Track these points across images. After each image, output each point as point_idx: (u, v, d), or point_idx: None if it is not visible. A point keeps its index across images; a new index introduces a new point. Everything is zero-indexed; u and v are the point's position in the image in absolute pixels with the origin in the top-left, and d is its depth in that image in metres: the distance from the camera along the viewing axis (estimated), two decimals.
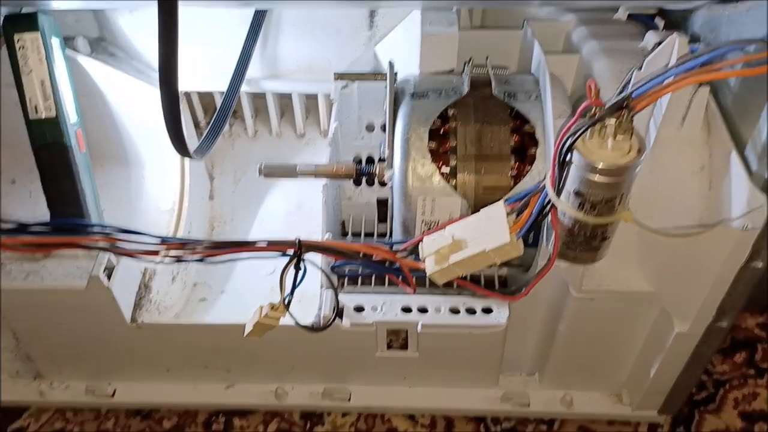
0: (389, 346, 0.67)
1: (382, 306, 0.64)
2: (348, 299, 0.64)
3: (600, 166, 0.42)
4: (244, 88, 0.75)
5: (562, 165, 0.44)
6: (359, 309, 0.64)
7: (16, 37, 0.60)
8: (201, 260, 0.53)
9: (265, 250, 0.53)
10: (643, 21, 0.62)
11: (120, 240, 0.52)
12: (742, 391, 0.74)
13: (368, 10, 0.69)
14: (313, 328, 0.58)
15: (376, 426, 0.71)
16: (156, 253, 0.52)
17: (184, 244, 0.53)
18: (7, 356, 0.71)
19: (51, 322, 0.65)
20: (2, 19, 0.60)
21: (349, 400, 0.71)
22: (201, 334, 0.66)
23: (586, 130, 0.42)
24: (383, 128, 0.68)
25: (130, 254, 0.53)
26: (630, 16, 0.62)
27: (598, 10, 0.64)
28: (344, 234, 0.73)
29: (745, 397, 0.74)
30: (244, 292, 0.75)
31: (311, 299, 0.60)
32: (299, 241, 0.52)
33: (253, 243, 0.52)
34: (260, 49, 0.73)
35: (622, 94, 0.42)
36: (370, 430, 0.71)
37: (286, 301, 0.53)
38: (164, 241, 0.53)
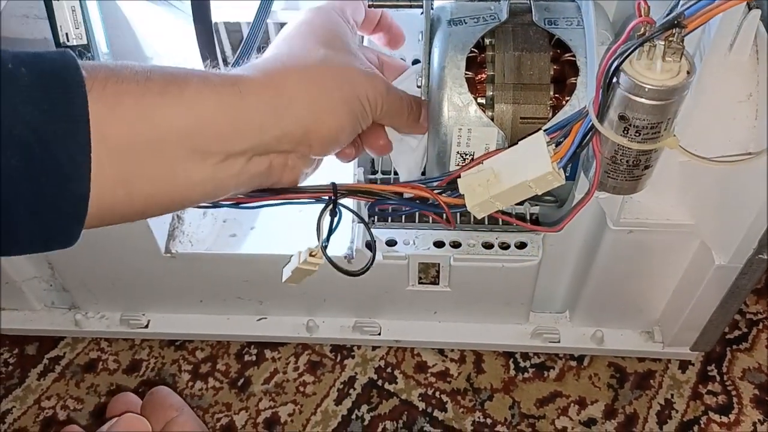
0: (419, 282, 0.67)
1: (415, 240, 0.64)
2: (380, 233, 0.64)
3: (648, 88, 0.41)
4: (270, 18, 0.73)
5: (608, 88, 0.43)
6: (391, 243, 0.64)
7: None
8: (235, 206, 0.52)
9: (299, 197, 0.51)
10: None
11: None
12: None
13: None
14: (351, 273, 0.57)
15: (405, 360, 0.72)
16: None
17: None
18: (43, 286, 0.72)
19: (86, 252, 0.65)
20: None
21: (380, 334, 0.71)
22: (234, 266, 0.66)
23: (635, 49, 0.41)
24: (413, 63, 0.67)
25: None
26: None
27: None
28: (374, 172, 0.72)
29: None
30: (274, 229, 0.75)
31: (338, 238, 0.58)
32: (334, 185, 0.50)
33: (288, 189, 0.51)
34: None
35: (674, 13, 0.41)
36: (400, 364, 0.72)
37: (324, 247, 0.52)
38: None
